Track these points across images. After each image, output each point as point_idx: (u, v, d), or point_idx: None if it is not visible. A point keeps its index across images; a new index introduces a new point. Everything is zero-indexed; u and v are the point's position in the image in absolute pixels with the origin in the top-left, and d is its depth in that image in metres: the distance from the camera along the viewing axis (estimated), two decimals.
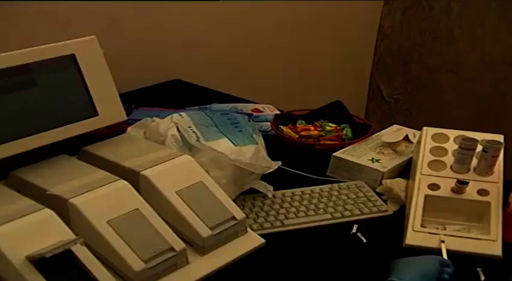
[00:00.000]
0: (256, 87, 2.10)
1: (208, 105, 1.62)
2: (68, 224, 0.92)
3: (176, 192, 1.00)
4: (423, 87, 2.79)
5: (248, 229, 1.05)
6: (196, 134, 1.18)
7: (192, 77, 1.93)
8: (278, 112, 1.63)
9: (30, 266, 0.81)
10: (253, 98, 1.77)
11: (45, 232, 0.86)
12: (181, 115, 1.23)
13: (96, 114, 1.09)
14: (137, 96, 1.71)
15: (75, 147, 1.12)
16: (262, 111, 1.63)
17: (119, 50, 1.72)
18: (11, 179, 1.01)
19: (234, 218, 1.01)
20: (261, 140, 1.26)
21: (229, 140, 1.19)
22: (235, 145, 1.18)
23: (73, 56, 1.07)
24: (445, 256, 1.02)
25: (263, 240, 1.04)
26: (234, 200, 1.12)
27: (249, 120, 1.31)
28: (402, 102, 2.88)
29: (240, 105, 1.64)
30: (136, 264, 0.88)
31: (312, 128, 1.46)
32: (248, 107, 1.64)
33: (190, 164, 1.06)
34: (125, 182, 0.98)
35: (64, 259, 0.84)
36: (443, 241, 1.05)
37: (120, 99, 1.57)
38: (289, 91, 2.32)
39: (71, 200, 0.92)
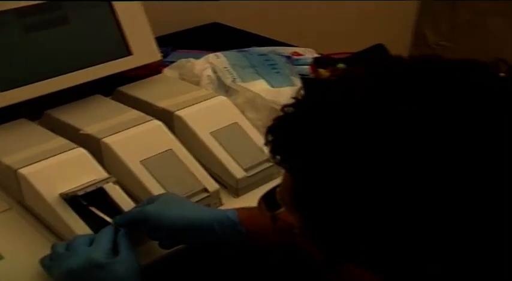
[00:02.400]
0: (297, 31, 2.04)
1: (246, 49, 1.58)
2: (102, 163, 0.91)
3: (210, 133, 0.98)
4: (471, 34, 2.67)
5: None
6: (232, 75, 1.15)
7: (230, 21, 1.89)
8: (318, 56, 1.58)
9: (64, 204, 0.82)
10: (293, 42, 1.71)
11: (78, 170, 0.86)
12: (217, 56, 1.20)
13: (129, 53, 1.06)
14: (174, 40, 1.68)
15: (111, 88, 1.10)
16: (301, 55, 1.58)
17: None
18: (45, 118, 1.00)
19: (269, 160, 0.99)
20: (299, 82, 1.22)
21: (266, 81, 1.16)
22: (272, 86, 1.15)
23: None
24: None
25: None
26: None
27: (287, 63, 1.27)
28: (448, 49, 2.77)
29: (279, 49, 1.59)
30: None
31: None
32: (288, 51, 1.59)
33: (225, 105, 1.04)
34: (159, 122, 0.97)
35: (96, 196, 0.83)
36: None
37: (157, 42, 1.55)
38: (330, 35, 2.25)
39: (104, 140, 0.91)
